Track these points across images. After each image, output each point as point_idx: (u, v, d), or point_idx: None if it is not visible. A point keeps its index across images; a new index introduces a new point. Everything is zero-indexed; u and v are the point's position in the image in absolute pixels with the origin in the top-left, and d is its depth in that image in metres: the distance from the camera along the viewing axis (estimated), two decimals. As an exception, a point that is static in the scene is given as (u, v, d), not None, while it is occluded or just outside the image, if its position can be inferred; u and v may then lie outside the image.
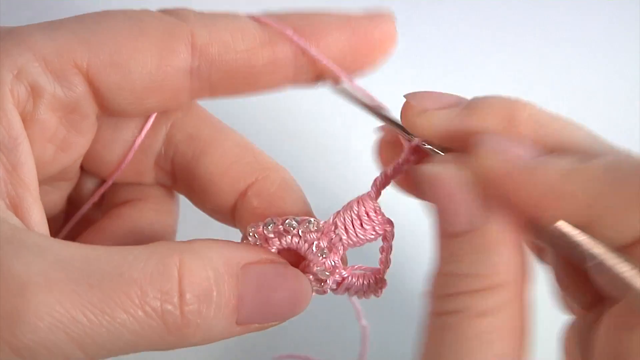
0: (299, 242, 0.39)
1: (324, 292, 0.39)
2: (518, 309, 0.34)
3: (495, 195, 0.34)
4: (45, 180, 0.42)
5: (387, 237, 0.39)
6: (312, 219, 0.39)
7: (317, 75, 0.40)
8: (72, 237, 0.46)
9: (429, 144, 0.38)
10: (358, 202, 0.39)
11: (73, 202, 0.47)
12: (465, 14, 0.66)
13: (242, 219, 0.42)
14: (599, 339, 0.36)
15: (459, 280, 0.34)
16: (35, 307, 0.31)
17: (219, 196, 0.43)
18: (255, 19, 0.39)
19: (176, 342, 0.35)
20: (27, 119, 0.37)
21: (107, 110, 0.40)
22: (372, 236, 0.39)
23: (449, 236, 0.35)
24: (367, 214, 0.38)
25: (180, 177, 0.44)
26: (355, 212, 0.38)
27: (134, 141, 0.43)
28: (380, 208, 0.39)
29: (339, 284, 0.39)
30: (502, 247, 0.34)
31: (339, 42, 0.39)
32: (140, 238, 0.44)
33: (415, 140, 0.38)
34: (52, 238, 0.35)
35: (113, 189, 0.46)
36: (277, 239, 0.39)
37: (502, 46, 0.66)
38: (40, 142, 0.38)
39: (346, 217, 0.38)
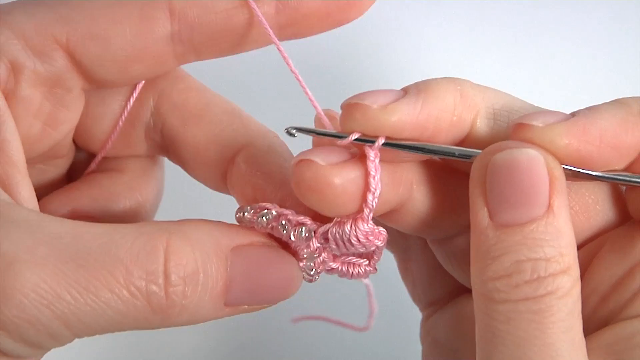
0: (279, 228, 0.38)
1: (313, 280, 0.39)
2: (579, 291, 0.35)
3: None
4: (38, 159, 0.42)
5: (379, 250, 0.38)
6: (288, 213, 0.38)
7: (300, 30, 0.40)
8: None
9: (390, 140, 0.35)
10: (351, 226, 0.37)
11: (70, 178, 0.47)
12: (464, 14, 0.66)
13: (233, 185, 0.42)
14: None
15: (545, 264, 0.33)
16: (21, 284, 0.31)
17: (208, 164, 0.43)
18: None
19: (161, 323, 0.35)
20: (9, 97, 0.38)
21: (93, 81, 0.40)
22: (363, 250, 0.38)
23: (524, 223, 0.34)
24: (358, 239, 0.37)
25: (171, 147, 0.44)
26: (347, 235, 0.37)
27: (122, 112, 0.43)
28: (374, 229, 0.37)
29: (328, 271, 0.39)
30: (569, 228, 0.34)
31: None
32: (107, 205, 0.44)
33: (381, 140, 0.35)
34: (42, 213, 0.35)
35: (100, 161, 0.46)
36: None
37: (500, 46, 0.65)
38: (25, 118, 0.39)
39: (337, 235, 0.37)
